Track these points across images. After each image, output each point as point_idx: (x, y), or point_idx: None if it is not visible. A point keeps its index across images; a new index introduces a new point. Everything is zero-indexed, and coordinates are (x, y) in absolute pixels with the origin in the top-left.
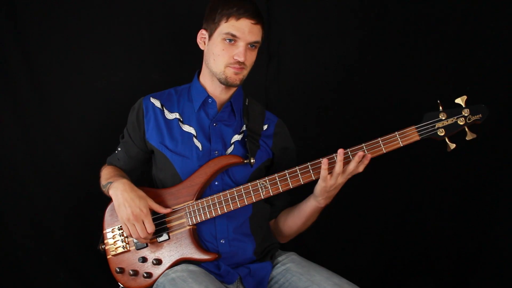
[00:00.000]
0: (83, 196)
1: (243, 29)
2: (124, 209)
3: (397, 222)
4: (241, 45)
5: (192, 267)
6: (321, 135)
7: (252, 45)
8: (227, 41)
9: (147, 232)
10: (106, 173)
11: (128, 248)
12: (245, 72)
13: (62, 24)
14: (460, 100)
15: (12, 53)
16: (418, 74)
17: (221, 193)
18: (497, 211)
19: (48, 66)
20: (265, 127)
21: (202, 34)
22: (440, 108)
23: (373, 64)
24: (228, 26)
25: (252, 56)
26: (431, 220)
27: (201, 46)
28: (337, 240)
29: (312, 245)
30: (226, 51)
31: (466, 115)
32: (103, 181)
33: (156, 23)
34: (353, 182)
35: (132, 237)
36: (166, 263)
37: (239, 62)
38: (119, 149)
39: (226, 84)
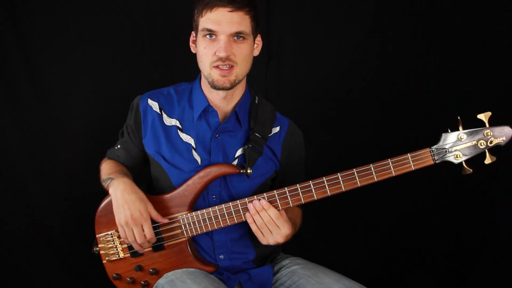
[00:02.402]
0: (83, 196)
1: (219, 20)
2: (123, 211)
3: (397, 222)
4: (221, 38)
5: (192, 269)
6: (321, 135)
7: (238, 36)
8: (207, 37)
9: (145, 238)
10: (107, 167)
11: (123, 256)
12: (237, 72)
13: (62, 24)
14: (483, 117)
15: (12, 53)
16: (419, 72)
17: (216, 207)
18: (497, 211)
19: (48, 66)
20: (275, 129)
21: (193, 37)
22: (460, 127)
23: (373, 63)
24: (204, 21)
25: (241, 50)
26: (431, 220)
27: (193, 50)
28: (337, 241)
29: (311, 247)
30: (208, 49)
31: (488, 137)
32: (104, 175)
33: (156, 23)
34: None
35: (127, 241)
36: (164, 273)
37: (222, 59)
38: (119, 146)
39: (214, 88)
